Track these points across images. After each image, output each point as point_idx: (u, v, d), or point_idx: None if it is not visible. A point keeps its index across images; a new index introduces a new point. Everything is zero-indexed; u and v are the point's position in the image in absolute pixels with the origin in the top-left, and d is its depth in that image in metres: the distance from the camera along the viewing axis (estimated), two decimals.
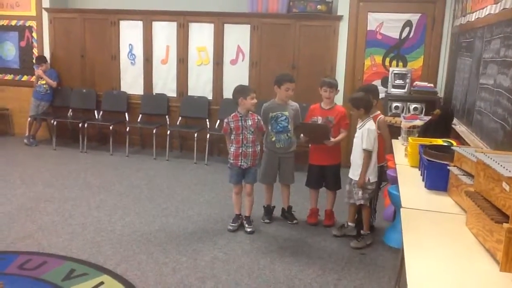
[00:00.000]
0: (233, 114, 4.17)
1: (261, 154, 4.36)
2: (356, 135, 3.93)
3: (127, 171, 5.98)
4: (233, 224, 4.22)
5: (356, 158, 3.90)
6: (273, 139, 4.35)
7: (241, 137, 4.11)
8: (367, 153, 3.81)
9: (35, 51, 7.42)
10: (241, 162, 4.14)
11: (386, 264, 3.67)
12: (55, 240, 3.89)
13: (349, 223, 4.14)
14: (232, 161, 4.17)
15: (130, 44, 6.96)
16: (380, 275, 3.49)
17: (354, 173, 3.93)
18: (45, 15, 7.23)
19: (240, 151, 4.12)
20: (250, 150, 4.14)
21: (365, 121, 3.85)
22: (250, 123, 4.13)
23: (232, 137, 4.15)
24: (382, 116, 4.16)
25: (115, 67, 7.07)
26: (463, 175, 2.50)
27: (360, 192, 3.89)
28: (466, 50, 4.59)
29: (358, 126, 3.93)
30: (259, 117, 4.24)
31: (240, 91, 4.16)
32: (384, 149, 4.10)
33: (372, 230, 4.23)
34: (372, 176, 3.87)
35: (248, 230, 4.19)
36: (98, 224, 4.25)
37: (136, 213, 4.55)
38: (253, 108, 4.15)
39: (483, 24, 3.87)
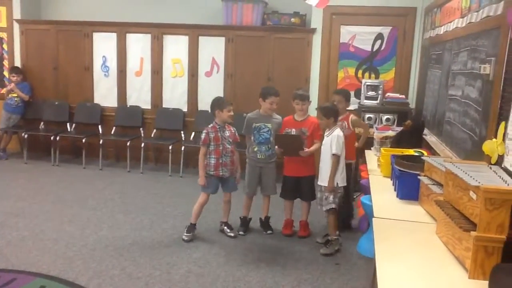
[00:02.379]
0: (211, 125, 4.23)
1: (238, 164, 4.40)
2: (324, 142, 4.04)
3: (100, 184, 5.89)
4: (188, 234, 4.23)
5: (326, 164, 3.98)
6: (255, 149, 4.39)
7: (221, 148, 4.17)
8: (336, 158, 3.91)
9: (5, 63, 7.27)
10: (222, 172, 4.20)
11: (360, 274, 3.69)
12: (25, 256, 3.79)
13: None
14: (212, 172, 4.19)
15: (103, 56, 6.89)
16: (354, 285, 3.51)
17: (323, 179, 4.01)
18: (16, 26, 7.11)
19: (221, 161, 4.18)
20: (229, 160, 4.22)
21: (333, 129, 3.99)
22: (228, 134, 4.23)
23: (211, 148, 4.18)
24: (352, 114, 4.55)
25: (88, 79, 6.98)
26: (433, 184, 2.55)
27: (331, 197, 3.96)
28: (436, 62, 4.70)
29: (326, 134, 4.04)
30: (234, 129, 4.32)
31: (217, 103, 4.25)
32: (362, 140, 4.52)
33: (349, 228, 4.55)
34: (340, 181, 3.97)
35: (232, 235, 4.30)
36: (70, 239, 4.16)
37: (109, 227, 4.47)
38: (230, 120, 4.24)
39: (451, 37, 3.98)
